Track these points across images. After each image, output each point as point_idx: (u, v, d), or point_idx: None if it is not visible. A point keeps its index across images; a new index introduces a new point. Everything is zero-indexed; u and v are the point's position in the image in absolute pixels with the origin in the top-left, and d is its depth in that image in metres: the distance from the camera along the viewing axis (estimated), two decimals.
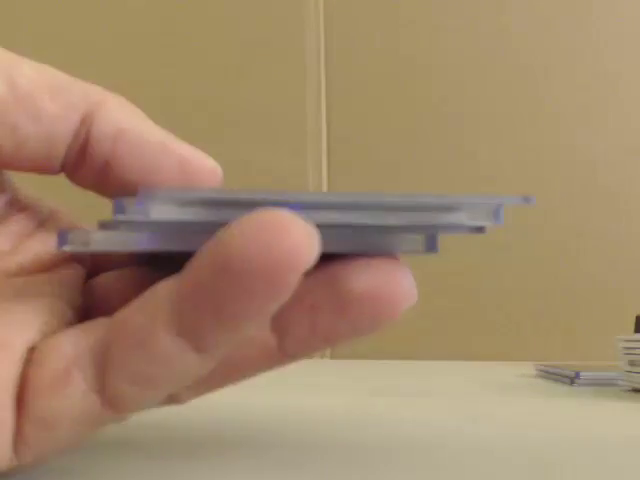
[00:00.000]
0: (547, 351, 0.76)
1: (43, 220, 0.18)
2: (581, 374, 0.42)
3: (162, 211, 0.14)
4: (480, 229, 0.16)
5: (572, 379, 0.42)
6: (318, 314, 0.15)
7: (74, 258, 0.18)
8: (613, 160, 0.78)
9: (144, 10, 0.84)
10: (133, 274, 0.17)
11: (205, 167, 0.17)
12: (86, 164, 0.16)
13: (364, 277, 0.15)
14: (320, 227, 0.15)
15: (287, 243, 0.12)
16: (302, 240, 0.12)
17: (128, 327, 0.13)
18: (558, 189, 0.78)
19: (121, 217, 0.14)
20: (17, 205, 0.18)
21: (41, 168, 0.17)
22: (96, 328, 0.14)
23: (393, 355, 0.76)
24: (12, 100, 0.15)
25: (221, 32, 0.83)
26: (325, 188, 0.80)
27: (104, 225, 0.15)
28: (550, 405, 0.32)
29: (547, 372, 0.48)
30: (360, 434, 0.23)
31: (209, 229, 0.15)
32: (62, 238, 0.15)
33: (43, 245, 0.17)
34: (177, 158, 0.16)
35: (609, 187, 0.77)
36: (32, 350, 0.14)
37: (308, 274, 0.16)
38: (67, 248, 0.14)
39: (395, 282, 0.15)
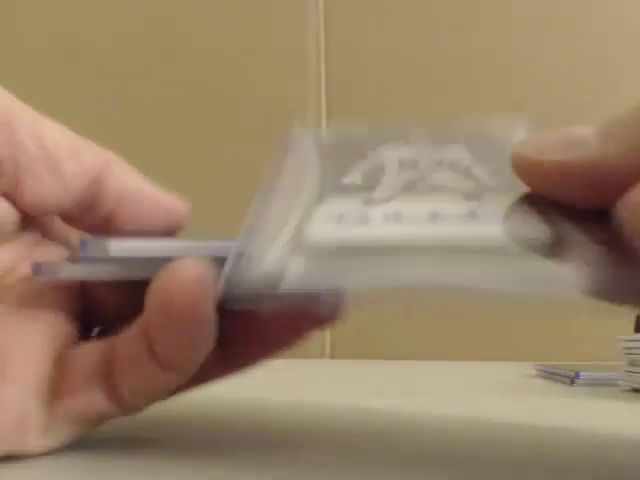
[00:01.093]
0: (547, 351, 0.76)
1: (53, 231, 0.21)
2: (581, 374, 0.42)
3: (119, 250, 0.18)
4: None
5: (572, 379, 0.42)
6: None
7: None
8: None
9: (143, 10, 0.84)
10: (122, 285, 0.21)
11: (181, 212, 0.21)
12: (92, 215, 0.20)
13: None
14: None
15: (182, 290, 0.16)
16: (191, 286, 0.16)
17: (124, 353, 0.18)
18: None
19: (83, 254, 0.18)
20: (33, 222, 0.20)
21: (50, 214, 0.20)
22: (105, 347, 0.18)
23: (393, 355, 0.76)
24: (41, 159, 0.19)
25: (221, 32, 0.83)
26: None
27: (71, 259, 0.19)
28: (550, 405, 0.32)
29: (547, 372, 0.48)
30: (360, 434, 0.23)
31: (155, 262, 0.18)
32: (36, 269, 0.18)
33: (52, 254, 0.20)
34: (165, 208, 0.20)
35: None
36: (61, 356, 0.18)
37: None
38: (40, 277, 0.18)
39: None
